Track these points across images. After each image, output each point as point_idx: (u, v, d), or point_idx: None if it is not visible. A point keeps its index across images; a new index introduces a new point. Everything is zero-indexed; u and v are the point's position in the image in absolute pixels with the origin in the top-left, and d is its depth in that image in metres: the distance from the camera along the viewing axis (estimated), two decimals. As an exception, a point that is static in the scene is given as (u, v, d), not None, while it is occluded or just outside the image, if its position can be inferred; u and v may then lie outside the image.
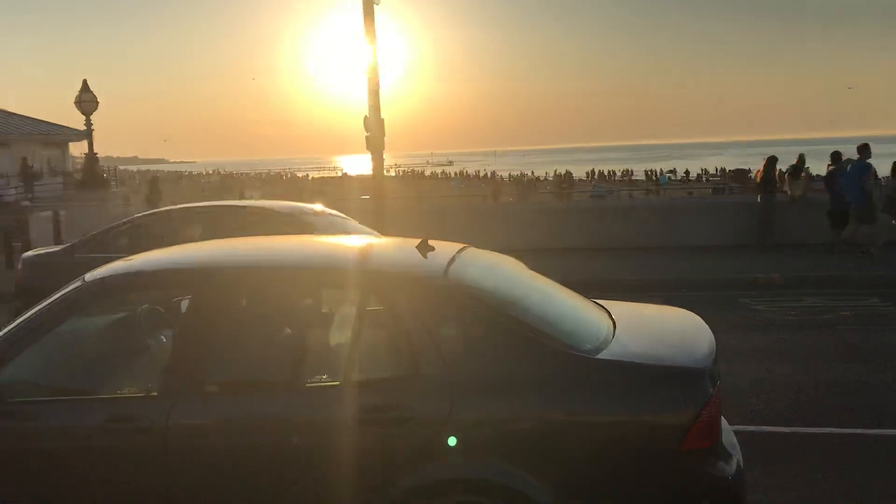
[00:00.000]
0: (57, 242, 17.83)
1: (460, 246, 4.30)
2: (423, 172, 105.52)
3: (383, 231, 13.95)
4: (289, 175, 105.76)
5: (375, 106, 13.86)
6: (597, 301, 4.50)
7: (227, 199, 31.95)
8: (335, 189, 62.25)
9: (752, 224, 16.10)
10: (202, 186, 72.47)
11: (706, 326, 4.09)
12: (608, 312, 4.20)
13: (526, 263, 4.76)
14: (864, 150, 14.66)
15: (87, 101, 19.08)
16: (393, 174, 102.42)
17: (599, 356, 3.46)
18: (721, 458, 3.46)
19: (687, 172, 71.69)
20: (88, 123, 19.17)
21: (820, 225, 15.36)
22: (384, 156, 14.33)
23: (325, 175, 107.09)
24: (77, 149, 36.44)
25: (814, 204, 16.52)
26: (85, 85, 19.21)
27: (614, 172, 77.29)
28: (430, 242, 4.08)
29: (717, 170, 75.52)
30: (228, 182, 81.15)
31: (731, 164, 77.61)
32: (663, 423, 3.31)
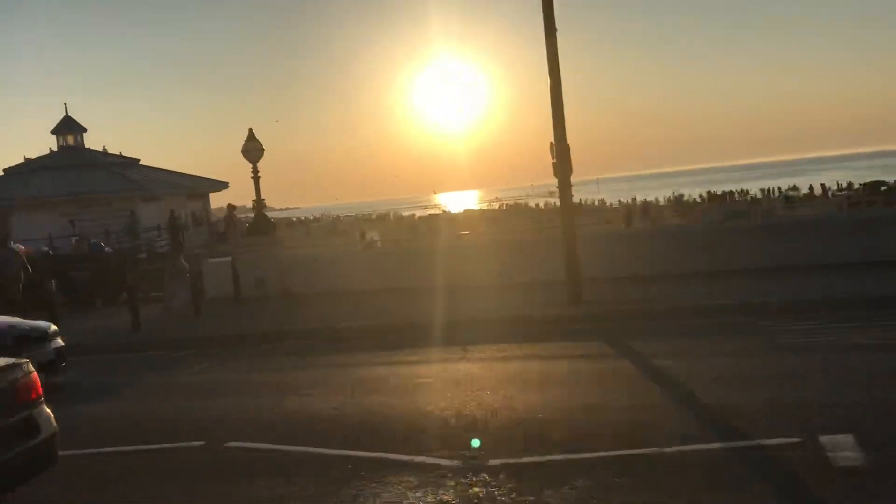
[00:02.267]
0: (236, 286, 18.35)
1: None
2: (527, 204, 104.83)
3: (580, 261, 13.75)
4: (393, 216, 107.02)
5: (561, 134, 13.68)
6: None
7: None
8: (447, 226, 62.74)
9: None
10: (307, 230, 73.91)
11: None
12: None
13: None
14: None
15: (253, 149, 19.61)
16: (496, 207, 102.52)
17: None
18: None
19: (811, 188, 68.50)
20: (255, 171, 19.69)
21: None
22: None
23: (430, 213, 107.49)
24: (216, 199, 37.87)
25: None
26: (251, 134, 19.78)
27: (733, 193, 74.66)
28: None
29: (838, 185, 72.22)
30: (341, 226, 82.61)
31: (853, 178, 73.92)
32: None
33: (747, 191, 78.48)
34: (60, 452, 7.31)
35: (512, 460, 6.09)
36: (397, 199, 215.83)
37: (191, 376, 11.21)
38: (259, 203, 19.95)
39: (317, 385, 9.57)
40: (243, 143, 19.70)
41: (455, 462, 6.15)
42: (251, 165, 19.70)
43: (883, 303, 11.54)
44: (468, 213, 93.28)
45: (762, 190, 75.59)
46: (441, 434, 6.96)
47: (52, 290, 16.00)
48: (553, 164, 13.80)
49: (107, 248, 21.00)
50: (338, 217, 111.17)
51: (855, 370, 8.07)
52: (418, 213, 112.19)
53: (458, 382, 8.93)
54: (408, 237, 48.00)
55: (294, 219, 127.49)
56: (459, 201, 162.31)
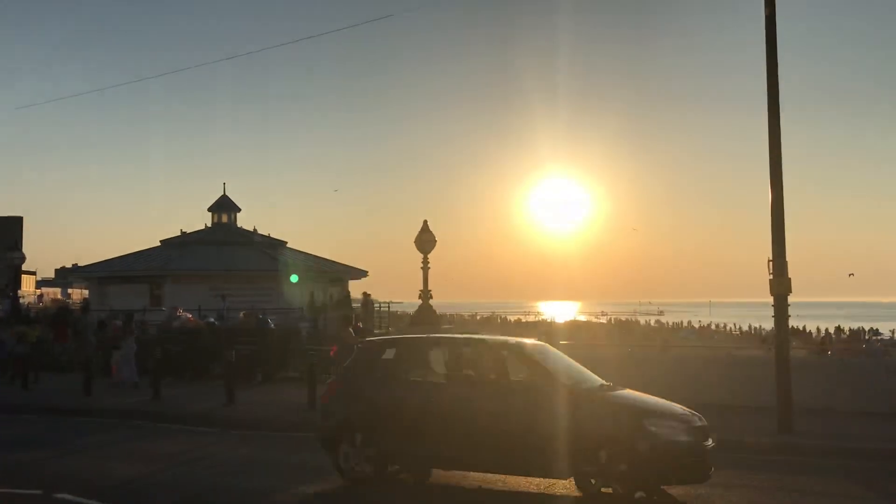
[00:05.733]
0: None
1: None
2: (637, 322, 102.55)
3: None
4: (501, 319, 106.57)
5: (780, 249, 13.00)
6: None
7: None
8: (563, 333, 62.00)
9: None
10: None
11: None
12: None
13: None
14: None
15: (426, 241, 19.70)
16: (604, 321, 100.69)
17: None
18: None
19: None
20: (425, 262, 19.71)
21: None
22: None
23: (532, 320, 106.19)
24: (354, 287, 38.28)
25: None
26: (425, 225, 19.92)
27: (874, 330, 70.57)
28: None
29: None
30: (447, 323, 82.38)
31: None
32: None
33: (878, 329, 74.35)
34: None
35: None
36: (497, 303, 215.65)
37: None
38: (426, 293, 19.80)
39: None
40: (417, 233, 19.83)
41: None
42: (422, 256, 19.73)
43: None
44: (576, 324, 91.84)
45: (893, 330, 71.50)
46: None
47: (230, 361, 16.05)
48: (770, 280, 13.06)
49: (271, 324, 21.21)
50: (444, 314, 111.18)
51: None
52: (522, 318, 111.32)
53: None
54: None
55: (398, 312, 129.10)
56: (561, 311, 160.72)
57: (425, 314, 19.75)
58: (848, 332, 67.94)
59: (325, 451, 9.69)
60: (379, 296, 38.41)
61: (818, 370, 17.56)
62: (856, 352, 31.88)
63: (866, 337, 67.46)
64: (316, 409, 14.93)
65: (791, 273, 13.05)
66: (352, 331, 16.78)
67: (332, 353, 16.55)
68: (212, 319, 22.38)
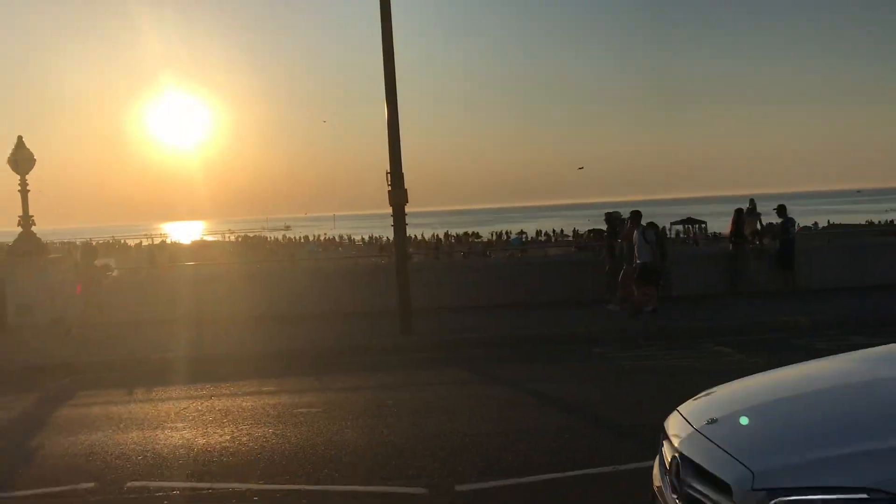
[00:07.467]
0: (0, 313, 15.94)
1: None
2: (266, 238, 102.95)
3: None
4: (121, 243, 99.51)
5: (396, 161, 13.73)
6: None
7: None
8: (189, 254, 59.83)
9: (719, 274, 17.30)
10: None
11: None
12: None
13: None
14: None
15: (23, 159, 17.27)
16: (233, 239, 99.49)
17: None
18: None
19: (538, 232, 75.21)
20: (23, 184, 17.35)
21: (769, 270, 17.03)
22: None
23: (157, 242, 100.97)
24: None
25: (765, 250, 18.04)
26: (20, 142, 17.44)
27: (475, 234, 79.12)
28: None
29: (556, 231, 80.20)
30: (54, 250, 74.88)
31: (565, 226, 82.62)
32: None
33: (478, 233, 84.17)
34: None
35: (479, 485, 5.95)
36: (117, 227, 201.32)
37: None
38: (27, 219, 17.53)
39: (184, 419, 8.60)
40: (11, 151, 17.35)
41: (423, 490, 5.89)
42: (19, 177, 17.36)
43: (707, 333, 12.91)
44: (204, 243, 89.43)
45: (492, 233, 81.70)
46: (398, 463, 6.61)
47: None
48: (388, 191, 13.76)
49: None
50: (51, 242, 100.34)
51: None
52: (144, 241, 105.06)
53: (362, 412, 8.54)
54: (147, 266, 45.08)
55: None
56: (186, 231, 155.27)
57: (27, 243, 17.52)
58: (455, 238, 75.70)
59: None
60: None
61: (433, 272, 19.28)
62: (470, 254, 35.82)
63: (469, 240, 76.12)
64: None
65: (410, 185, 13.90)
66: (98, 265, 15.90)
67: (77, 291, 15.30)
68: None
